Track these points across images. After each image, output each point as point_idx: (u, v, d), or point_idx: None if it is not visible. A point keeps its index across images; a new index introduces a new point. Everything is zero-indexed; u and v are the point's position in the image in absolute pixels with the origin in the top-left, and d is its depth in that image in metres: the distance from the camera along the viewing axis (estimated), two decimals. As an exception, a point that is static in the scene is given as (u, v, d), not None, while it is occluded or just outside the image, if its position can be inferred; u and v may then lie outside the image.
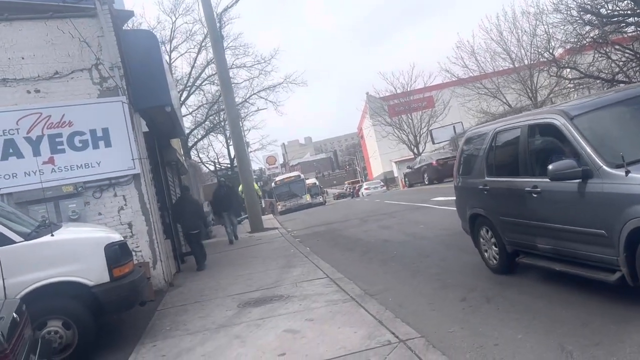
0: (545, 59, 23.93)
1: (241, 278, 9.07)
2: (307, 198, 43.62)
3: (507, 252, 6.26)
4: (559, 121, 5.11)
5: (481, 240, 6.91)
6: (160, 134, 12.99)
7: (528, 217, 5.60)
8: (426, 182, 28.18)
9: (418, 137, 45.62)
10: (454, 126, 37.09)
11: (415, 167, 31.13)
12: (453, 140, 37.50)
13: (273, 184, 46.02)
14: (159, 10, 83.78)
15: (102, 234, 6.47)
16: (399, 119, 46.75)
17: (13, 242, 5.57)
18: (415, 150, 45.81)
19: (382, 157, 60.03)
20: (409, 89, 46.81)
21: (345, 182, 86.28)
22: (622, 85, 17.15)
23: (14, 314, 4.02)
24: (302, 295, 7.03)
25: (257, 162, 56.53)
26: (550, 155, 5.29)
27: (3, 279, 5.38)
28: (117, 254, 6.05)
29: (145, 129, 10.19)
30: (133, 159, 8.93)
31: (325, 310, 6.12)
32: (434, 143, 40.85)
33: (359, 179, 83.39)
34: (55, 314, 5.63)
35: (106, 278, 5.87)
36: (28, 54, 8.68)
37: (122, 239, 6.53)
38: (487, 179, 6.48)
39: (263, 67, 34.34)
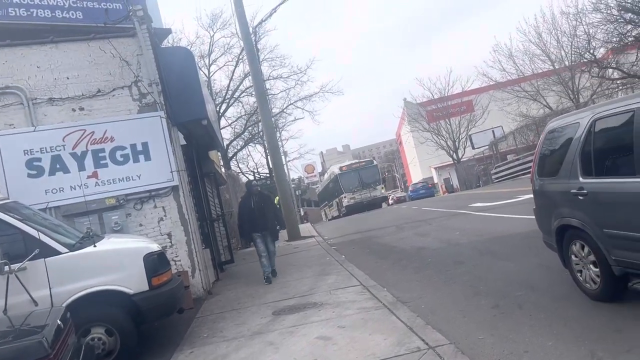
0: (586, 60, 23.38)
1: (277, 286, 9.23)
2: (382, 190, 35.84)
3: (613, 275, 4.94)
4: None
5: (573, 258, 5.60)
6: (199, 146, 13.38)
7: None
8: None
9: (457, 143, 45.10)
10: (493, 130, 36.54)
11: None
12: (492, 145, 36.92)
13: (339, 170, 37.76)
14: (197, 26, 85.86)
15: (141, 245, 6.74)
16: (437, 125, 46.40)
17: (59, 253, 5.89)
18: (454, 156, 45.29)
19: (422, 164, 59.57)
20: (446, 94, 46.46)
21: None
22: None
23: (59, 321, 4.27)
24: (336, 303, 7.12)
25: (295, 171, 56.92)
26: None
27: (50, 288, 5.72)
28: (155, 263, 6.29)
29: (183, 142, 10.54)
30: (172, 171, 9.26)
31: (358, 318, 6.19)
32: (473, 148, 40.31)
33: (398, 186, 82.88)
34: (98, 321, 5.89)
35: (145, 287, 6.11)
36: (72, 74, 9.16)
37: (160, 249, 6.77)
38: (583, 180, 5.18)
39: (299, 77, 34.65)
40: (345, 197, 33.72)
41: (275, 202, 17.07)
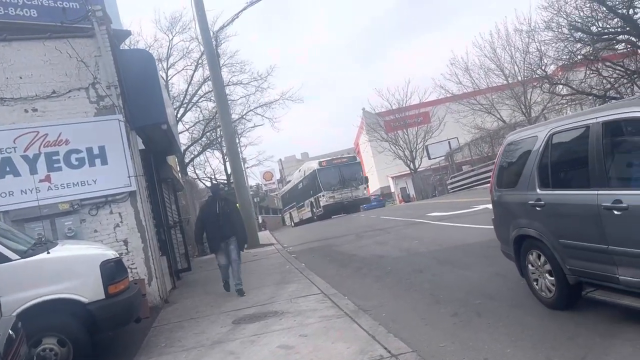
0: (538, 76, 24.27)
1: (236, 294, 9.09)
2: (365, 191, 32.32)
3: (567, 284, 5.12)
4: None
5: (530, 267, 5.75)
6: (157, 151, 13.09)
7: (605, 240, 4.46)
8: None
9: (414, 153, 45.87)
10: (449, 142, 37.33)
11: None
12: (448, 155, 37.77)
13: (318, 166, 33.34)
14: (155, 29, 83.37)
15: (97, 251, 6.52)
16: (395, 135, 47.06)
17: (9, 259, 5.62)
18: (411, 166, 46.02)
19: (379, 173, 60.24)
20: (404, 105, 47.22)
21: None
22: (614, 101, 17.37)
23: (10, 331, 4.07)
24: (297, 311, 7.08)
25: (253, 178, 56.45)
26: (637, 160, 4.47)
27: (-1, 297, 5.44)
28: (112, 271, 6.09)
29: (142, 146, 10.29)
30: (129, 177, 9.01)
31: (319, 326, 6.17)
32: (429, 158, 41.02)
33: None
34: (50, 331, 5.64)
35: (101, 295, 5.91)
36: (26, 73, 8.81)
37: (118, 256, 6.57)
38: (540, 192, 5.36)
39: (259, 84, 34.41)
40: (323, 195, 30.14)
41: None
